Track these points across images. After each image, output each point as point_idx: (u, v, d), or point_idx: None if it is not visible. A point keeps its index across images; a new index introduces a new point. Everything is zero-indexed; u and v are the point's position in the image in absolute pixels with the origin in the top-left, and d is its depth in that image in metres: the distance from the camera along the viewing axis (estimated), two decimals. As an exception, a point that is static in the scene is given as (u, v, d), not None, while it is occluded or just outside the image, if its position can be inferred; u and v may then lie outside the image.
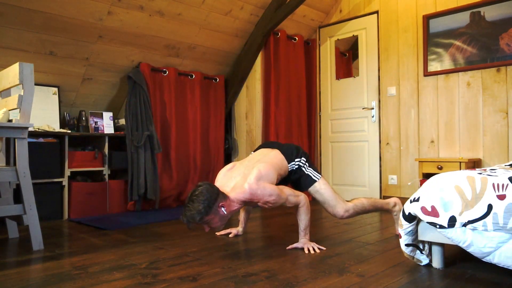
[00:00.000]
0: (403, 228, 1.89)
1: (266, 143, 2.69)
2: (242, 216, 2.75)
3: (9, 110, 2.46)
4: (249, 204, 2.34)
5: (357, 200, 2.55)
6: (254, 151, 2.64)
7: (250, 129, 4.43)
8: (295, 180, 2.52)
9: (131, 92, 3.74)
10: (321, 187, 2.47)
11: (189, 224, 2.08)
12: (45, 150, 3.32)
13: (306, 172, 2.49)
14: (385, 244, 2.43)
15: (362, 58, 4.45)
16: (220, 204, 2.12)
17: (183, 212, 2.08)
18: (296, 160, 2.49)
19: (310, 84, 4.83)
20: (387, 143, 4.23)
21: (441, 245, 1.92)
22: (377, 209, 2.64)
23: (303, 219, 2.33)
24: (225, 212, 2.14)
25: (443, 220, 1.74)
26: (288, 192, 2.29)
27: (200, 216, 2.04)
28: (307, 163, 2.51)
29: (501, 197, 1.63)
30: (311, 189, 2.47)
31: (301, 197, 2.32)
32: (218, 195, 2.12)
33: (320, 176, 2.50)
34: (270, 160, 2.38)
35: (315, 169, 2.52)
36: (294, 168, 2.49)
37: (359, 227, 3.00)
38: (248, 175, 2.24)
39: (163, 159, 4.00)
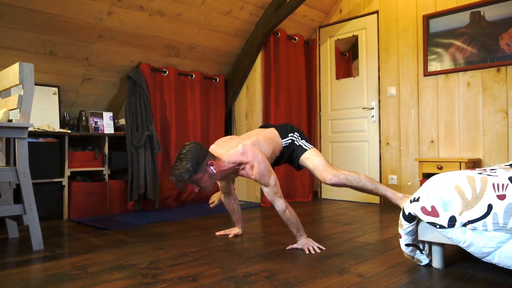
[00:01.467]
0: (403, 228, 1.89)
1: (262, 126, 2.73)
2: (234, 217, 2.73)
3: (9, 110, 2.46)
4: (236, 171, 2.30)
5: (354, 173, 2.49)
6: None
7: (250, 129, 4.43)
8: (289, 154, 2.54)
9: (131, 92, 3.74)
10: (311, 154, 2.48)
11: (178, 183, 2.07)
12: (45, 150, 3.33)
13: (298, 144, 2.51)
14: (385, 244, 2.43)
15: (362, 58, 4.45)
16: (209, 163, 2.12)
17: (172, 172, 2.07)
18: (289, 135, 2.52)
19: (310, 84, 4.83)
20: (387, 143, 4.23)
21: (441, 245, 1.92)
22: (379, 193, 2.46)
23: (290, 224, 2.32)
24: (214, 171, 2.14)
25: (443, 220, 1.74)
26: (273, 182, 2.24)
27: (189, 174, 2.04)
28: (299, 137, 2.54)
29: (501, 197, 1.63)
30: (302, 157, 2.48)
31: (281, 201, 2.27)
32: (206, 154, 2.12)
33: (312, 146, 2.52)
34: (266, 135, 2.43)
35: (307, 141, 2.55)
36: (288, 143, 2.51)
37: (359, 227, 3.00)
38: (245, 140, 2.31)
39: (163, 159, 4.00)
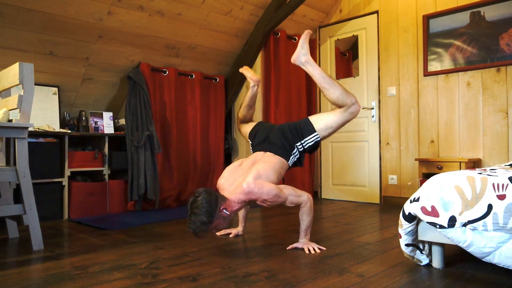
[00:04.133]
0: (403, 228, 1.89)
1: (261, 130, 2.63)
2: (240, 215, 2.75)
3: (9, 110, 2.46)
4: (250, 203, 2.35)
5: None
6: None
7: (250, 129, 4.42)
8: (309, 151, 2.54)
9: (131, 92, 3.74)
10: (327, 127, 2.45)
11: (198, 235, 2.14)
12: (45, 150, 3.32)
13: (303, 148, 2.48)
14: (385, 244, 2.43)
15: (362, 58, 4.45)
16: (221, 208, 2.16)
17: (188, 225, 2.12)
18: (292, 153, 2.47)
19: (310, 84, 4.83)
20: (387, 143, 4.23)
21: (441, 245, 1.92)
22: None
23: (305, 219, 2.34)
24: (228, 213, 2.19)
25: (443, 220, 1.74)
26: (288, 192, 2.28)
27: (206, 226, 2.10)
28: (301, 143, 2.47)
29: (501, 197, 1.63)
30: (323, 139, 2.50)
31: (303, 197, 2.31)
32: (217, 201, 2.14)
33: (315, 132, 2.45)
34: (270, 160, 2.39)
35: (305, 132, 2.46)
36: (297, 157, 2.50)
37: (359, 227, 3.00)
38: (248, 175, 2.27)
39: (163, 159, 4.00)
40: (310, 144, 2.48)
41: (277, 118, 4.34)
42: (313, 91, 4.84)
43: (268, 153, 2.47)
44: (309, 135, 2.47)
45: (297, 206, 2.34)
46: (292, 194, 2.29)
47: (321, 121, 2.46)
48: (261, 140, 2.56)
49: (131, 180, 3.67)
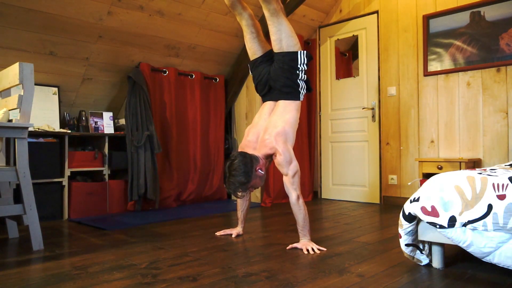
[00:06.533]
0: (403, 228, 1.89)
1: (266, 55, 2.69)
2: (241, 214, 2.74)
3: (9, 110, 2.46)
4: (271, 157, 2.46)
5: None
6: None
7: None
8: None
9: (131, 92, 3.74)
10: (291, 36, 2.53)
11: (237, 194, 2.29)
12: (45, 150, 3.32)
13: (305, 66, 2.51)
14: (385, 244, 2.43)
15: (362, 58, 4.45)
16: (257, 168, 2.30)
17: (227, 186, 2.27)
18: (300, 88, 2.52)
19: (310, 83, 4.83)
20: (387, 143, 4.23)
21: (441, 245, 1.92)
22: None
23: (297, 218, 2.37)
24: (262, 172, 2.33)
25: (443, 220, 1.74)
26: (292, 173, 2.33)
27: (244, 186, 2.26)
28: (301, 71, 2.50)
29: (501, 197, 1.63)
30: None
31: (293, 193, 2.33)
32: (252, 162, 2.28)
33: (296, 51, 2.50)
34: (286, 109, 2.46)
35: (295, 58, 2.49)
36: (305, 89, 2.54)
37: (359, 227, 3.00)
38: (269, 129, 2.41)
39: (163, 159, 4.00)
40: (305, 64, 2.50)
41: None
42: (313, 89, 4.83)
43: (280, 101, 2.53)
44: (297, 59, 2.49)
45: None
46: (292, 177, 2.33)
47: (285, 39, 2.51)
48: (267, 91, 2.61)
49: (131, 180, 3.67)
